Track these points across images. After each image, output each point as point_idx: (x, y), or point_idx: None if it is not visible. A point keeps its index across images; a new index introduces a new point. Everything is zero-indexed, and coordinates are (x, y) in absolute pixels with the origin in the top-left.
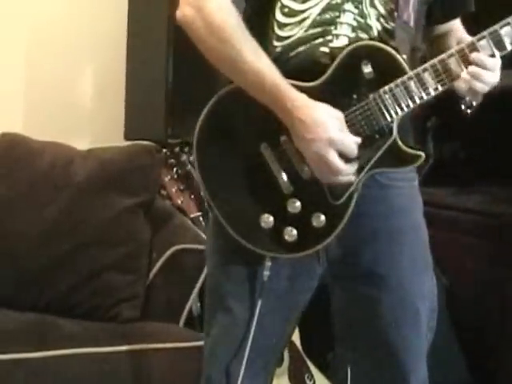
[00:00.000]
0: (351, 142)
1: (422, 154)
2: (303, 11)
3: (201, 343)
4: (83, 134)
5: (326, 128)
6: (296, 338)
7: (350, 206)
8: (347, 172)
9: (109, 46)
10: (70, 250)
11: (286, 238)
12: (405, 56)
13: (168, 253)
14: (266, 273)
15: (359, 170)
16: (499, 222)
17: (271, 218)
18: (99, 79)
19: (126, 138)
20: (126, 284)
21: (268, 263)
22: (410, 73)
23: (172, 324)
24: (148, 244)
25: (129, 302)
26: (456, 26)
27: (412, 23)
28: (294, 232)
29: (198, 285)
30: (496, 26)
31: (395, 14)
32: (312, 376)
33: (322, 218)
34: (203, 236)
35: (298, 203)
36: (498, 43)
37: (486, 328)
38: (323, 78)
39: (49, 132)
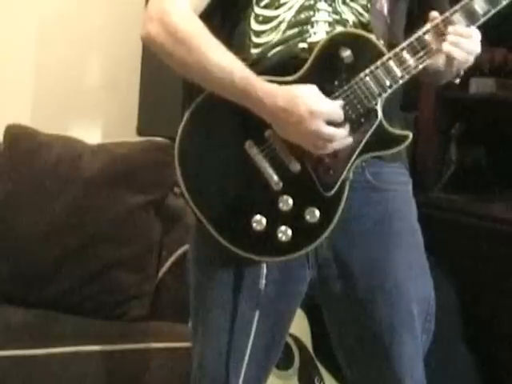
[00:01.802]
0: (334, 107)
1: (409, 133)
2: (277, 16)
3: None
4: (94, 129)
5: (305, 103)
6: (307, 340)
7: (343, 196)
8: (342, 135)
9: (124, 38)
10: (77, 247)
11: (281, 237)
12: (382, 41)
13: (178, 252)
14: (263, 281)
15: (349, 157)
16: None
17: (263, 219)
18: (112, 71)
19: (139, 133)
20: (135, 282)
21: (264, 270)
22: (389, 53)
23: (180, 324)
24: (158, 242)
25: (137, 301)
26: None
27: (385, 12)
28: (289, 231)
29: None
30: (466, 0)
31: (368, 5)
32: (322, 379)
33: (317, 212)
34: None
35: (290, 200)
36: (471, 15)
37: (504, 335)
38: (303, 69)
39: (58, 125)
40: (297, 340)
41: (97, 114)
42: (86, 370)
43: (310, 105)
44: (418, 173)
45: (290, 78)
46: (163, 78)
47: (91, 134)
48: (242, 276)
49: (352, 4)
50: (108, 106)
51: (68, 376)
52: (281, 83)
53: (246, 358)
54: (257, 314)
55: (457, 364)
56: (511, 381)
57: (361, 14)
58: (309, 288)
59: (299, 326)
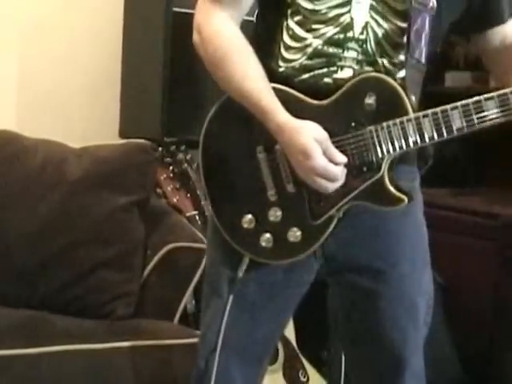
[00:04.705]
0: (334, 170)
1: (405, 198)
2: (305, 39)
3: (195, 340)
4: (77, 132)
5: (309, 157)
6: (291, 335)
7: (327, 230)
8: (333, 188)
9: (104, 42)
10: (63, 248)
11: (262, 243)
12: (413, 97)
13: (163, 251)
14: (241, 271)
15: (341, 197)
16: (497, 223)
17: (253, 221)
18: (94, 75)
19: (121, 136)
20: (120, 282)
21: (245, 261)
22: (411, 115)
23: (166, 321)
24: (142, 242)
25: (123, 300)
26: None
27: (423, 59)
28: (271, 240)
29: (193, 283)
30: (507, 90)
31: (408, 54)
32: (306, 373)
33: (298, 233)
34: (199, 234)
35: (280, 213)
36: (505, 107)
37: (482, 328)
38: (327, 100)
39: (42, 129)
40: (281, 336)
41: (79, 119)
42: (74, 369)
43: (313, 161)
44: None
45: (314, 103)
46: (143, 82)
47: (74, 138)
48: (233, 261)
49: (385, 45)
50: (90, 110)
51: (57, 375)
52: (306, 104)
53: (219, 347)
54: (230, 299)
55: (438, 351)
56: (491, 372)
57: (392, 57)
58: (318, 276)
59: None
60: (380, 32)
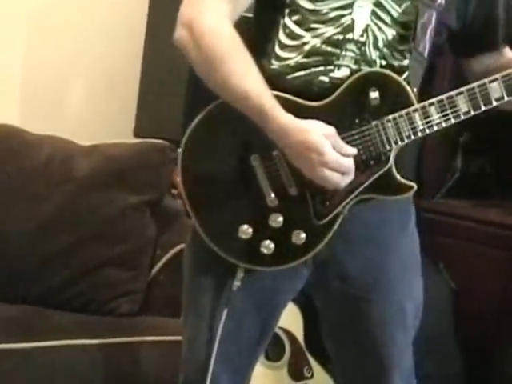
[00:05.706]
0: (345, 162)
1: (414, 185)
2: (303, 37)
3: None
4: (87, 130)
5: (322, 152)
6: (299, 332)
7: (332, 228)
8: (345, 182)
9: (125, 32)
10: (68, 245)
11: (263, 250)
12: (415, 89)
13: (173, 251)
14: (237, 283)
15: (348, 194)
16: None
17: (250, 230)
18: (110, 69)
19: (136, 135)
20: (126, 279)
21: (240, 274)
22: (416, 105)
23: (172, 318)
24: (152, 241)
25: (128, 297)
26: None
27: (426, 53)
28: (272, 246)
29: None
30: (510, 71)
31: (411, 44)
32: (311, 369)
33: (303, 235)
34: None
35: (281, 218)
36: (509, 87)
37: (488, 330)
38: (329, 98)
39: (50, 126)
40: (288, 333)
41: (91, 115)
42: (74, 363)
43: (324, 156)
44: (422, 179)
45: (314, 104)
46: (166, 77)
47: (84, 136)
48: (221, 275)
49: (383, 49)
50: (103, 106)
51: (56, 369)
52: (306, 107)
53: (212, 361)
54: (225, 312)
55: (443, 360)
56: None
57: (389, 59)
58: (305, 285)
59: (290, 320)
60: (380, 37)
